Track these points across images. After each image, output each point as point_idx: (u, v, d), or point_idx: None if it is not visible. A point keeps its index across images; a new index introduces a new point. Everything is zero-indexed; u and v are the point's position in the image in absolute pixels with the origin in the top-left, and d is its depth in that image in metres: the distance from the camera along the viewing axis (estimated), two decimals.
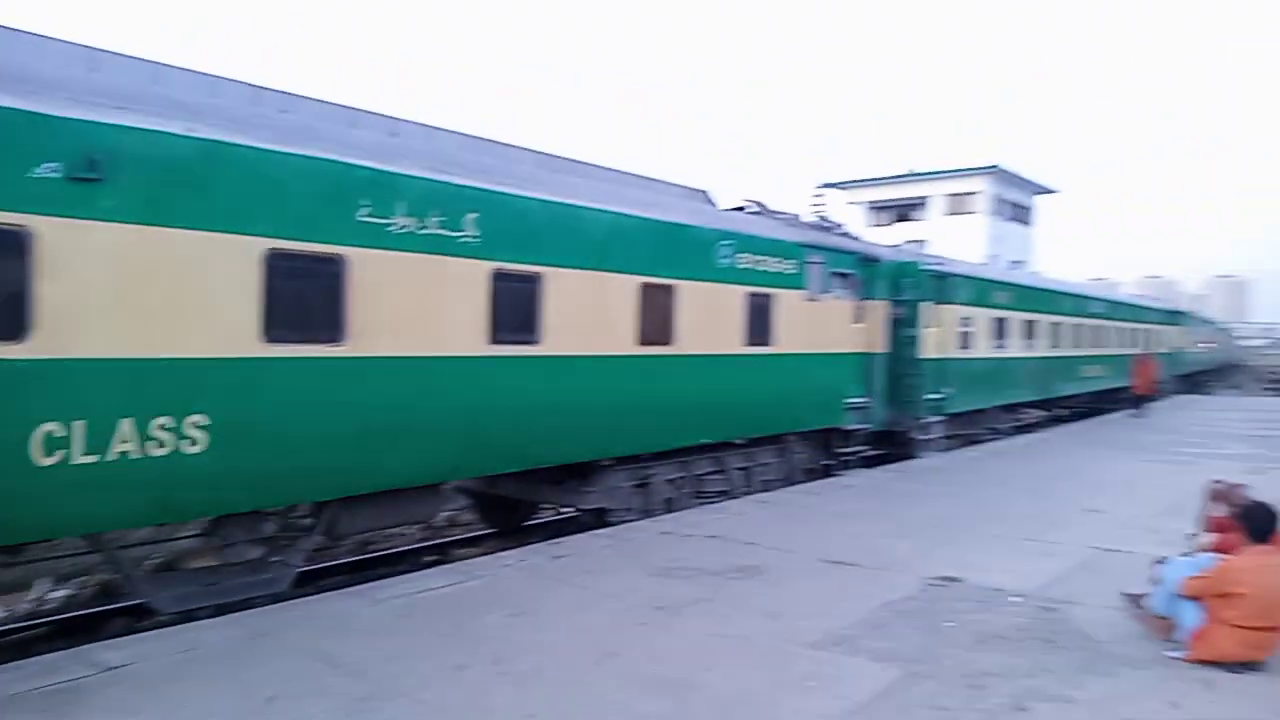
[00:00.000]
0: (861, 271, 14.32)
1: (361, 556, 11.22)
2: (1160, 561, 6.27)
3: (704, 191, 12.52)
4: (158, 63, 7.05)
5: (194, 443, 6.26)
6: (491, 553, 10.39)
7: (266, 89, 7.64)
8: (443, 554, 11.41)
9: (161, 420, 6.08)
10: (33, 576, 10.25)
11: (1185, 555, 6.32)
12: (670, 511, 10.99)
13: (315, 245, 6.94)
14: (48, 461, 5.56)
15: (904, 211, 53.04)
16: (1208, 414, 27.23)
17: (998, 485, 12.89)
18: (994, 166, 49.24)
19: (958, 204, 50.52)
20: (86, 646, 5.85)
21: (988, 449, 17.85)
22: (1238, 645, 5.46)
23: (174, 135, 6.15)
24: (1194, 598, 5.71)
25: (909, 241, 28.21)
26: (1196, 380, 46.62)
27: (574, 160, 10.45)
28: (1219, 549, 6.24)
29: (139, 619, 8.69)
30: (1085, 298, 26.90)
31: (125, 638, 6.33)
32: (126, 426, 5.91)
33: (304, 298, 7.01)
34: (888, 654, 5.71)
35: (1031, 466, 14.99)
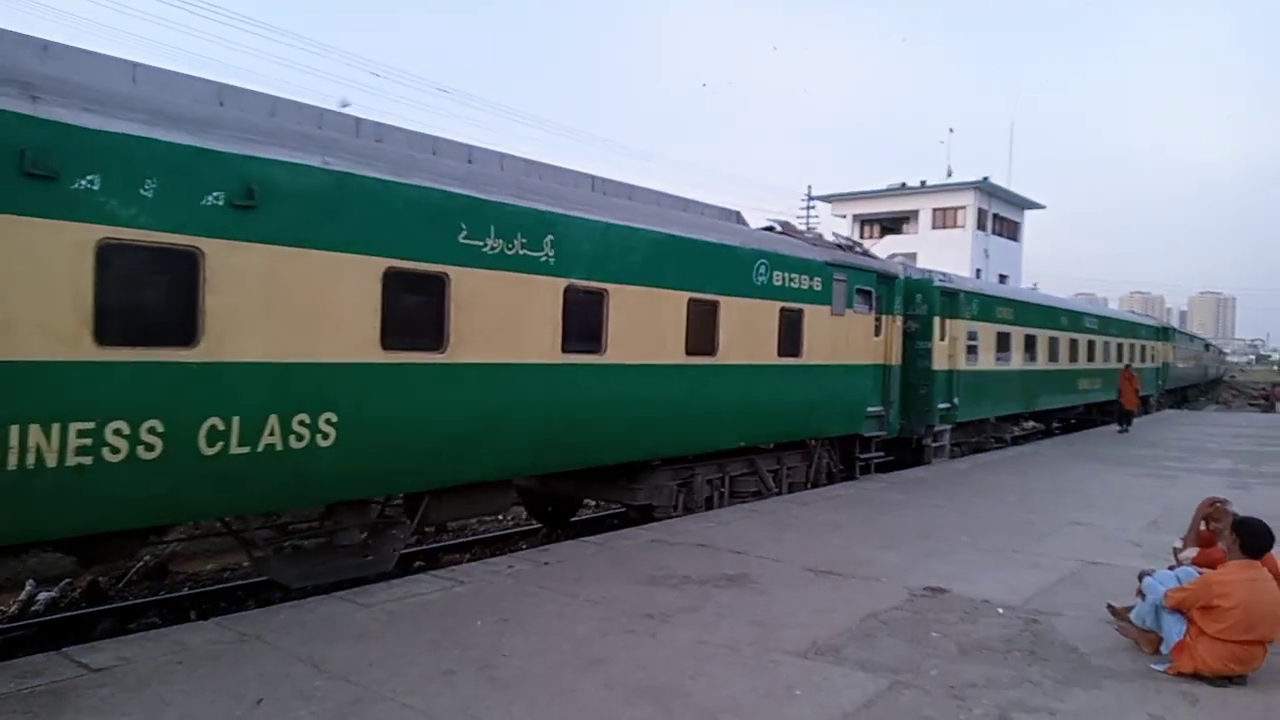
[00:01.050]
0: (880, 288, 15.05)
1: None
2: (1146, 574, 6.32)
3: (737, 212, 13.25)
4: (273, 96, 7.65)
5: (325, 437, 7.00)
6: (479, 559, 10.40)
7: (363, 120, 8.25)
8: (431, 560, 11.40)
9: (301, 416, 6.84)
10: (24, 576, 10.19)
11: (1170, 568, 6.36)
12: (710, 509, 11.75)
13: (424, 265, 7.73)
14: (210, 451, 6.29)
15: (891, 225, 53.32)
16: (1193, 429, 27.45)
17: (985, 497, 12.96)
18: (981, 181, 49.58)
19: (945, 218, 50.83)
20: (71, 648, 5.81)
21: (976, 460, 17.97)
22: (1221, 659, 5.50)
23: (313, 167, 6.94)
24: (1177, 610, 5.76)
25: (895, 255, 28.45)
26: (1183, 395, 47.04)
27: (621, 183, 11.13)
28: (1203, 562, 6.29)
29: (125, 621, 8.68)
30: (1080, 314, 27.46)
31: (111, 639, 6.28)
32: (273, 422, 6.66)
33: (413, 311, 7.81)
34: (874, 664, 5.73)
35: (1019, 479, 15.07)
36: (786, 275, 12.44)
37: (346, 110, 8.37)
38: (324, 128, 7.72)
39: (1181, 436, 24.36)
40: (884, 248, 37.99)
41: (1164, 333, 39.37)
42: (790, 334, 12.55)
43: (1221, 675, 5.53)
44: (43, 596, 9.63)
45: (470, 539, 12.75)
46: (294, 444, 6.78)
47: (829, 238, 16.21)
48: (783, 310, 12.37)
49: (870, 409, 14.81)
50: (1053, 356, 23.89)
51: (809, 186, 63.27)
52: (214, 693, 4.99)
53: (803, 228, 19.11)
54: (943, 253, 42.32)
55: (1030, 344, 22.23)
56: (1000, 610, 7.03)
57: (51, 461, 5.53)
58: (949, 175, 51.14)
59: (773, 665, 5.67)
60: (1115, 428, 25.57)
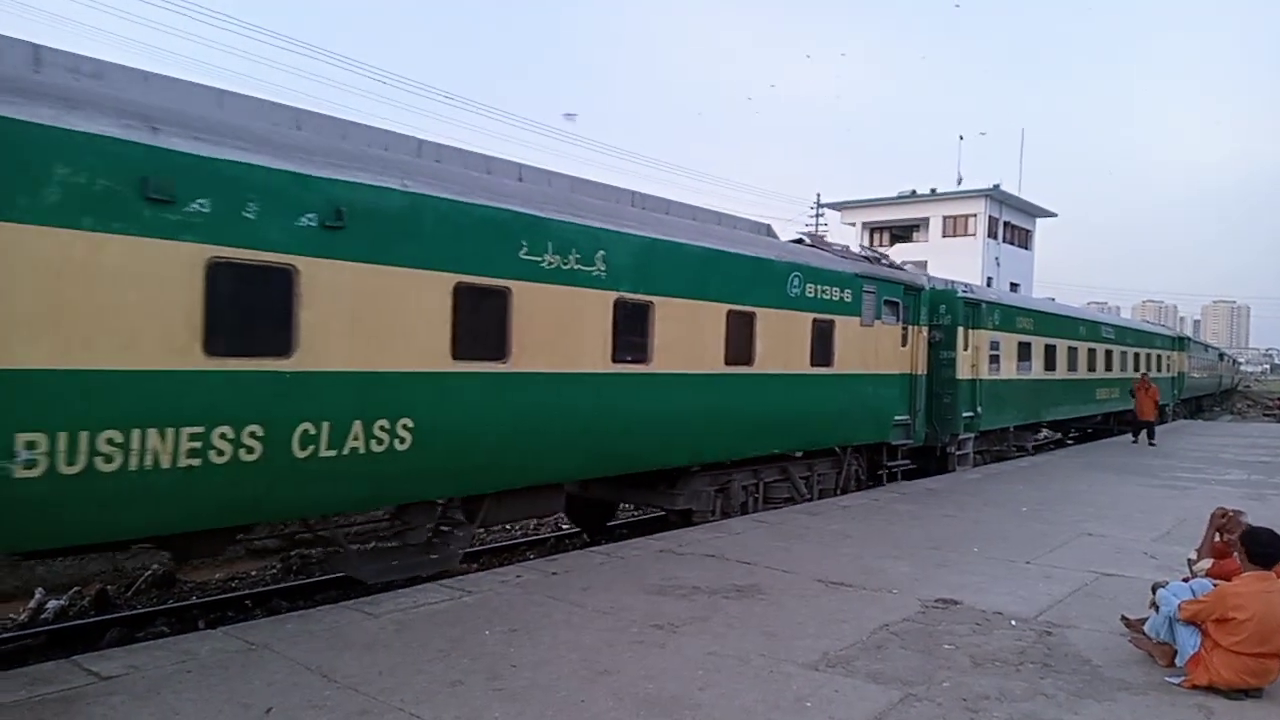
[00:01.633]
0: (906, 299, 15.37)
1: None
2: (1159, 586, 6.25)
3: (768, 226, 13.58)
4: (344, 120, 8.08)
5: (402, 441, 7.44)
6: (487, 568, 10.39)
7: (426, 141, 8.65)
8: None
9: (381, 422, 7.29)
10: (34, 585, 10.23)
11: (1184, 580, 6.30)
12: (745, 514, 12.09)
13: (489, 279, 8.19)
14: (302, 455, 6.75)
15: (901, 233, 53.21)
16: (1207, 439, 27.24)
17: (997, 507, 12.87)
18: (993, 189, 49.43)
19: (955, 225, 50.66)
20: (81, 656, 5.84)
21: (987, 471, 17.86)
22: (1236, 672, 5.44)
23: (394, 190, 7.41)
24: (1191, 622, 5.69)
25: (906, 263, 28.46)
26: (1198, 405, 46.76)
27: (658, 198, 11.46)
28: (1218, 574, 6.23)
29: (134, 630, 8.69)
30: (1097, 324, 27.65)
31: (120, 648, 6.30)
32: (358, 427, 7.13)
33: (480, 323, 8.21)
34: (885, 675, 5.69)
35: (1030, 489, 14.97)
36: (819, 287, 12.87)
37: (572, 120, 8.86)
38: (390, 149, 8.11)
39: (1195, 447, 24.16)
40: (894, 256, 37.89)
41: (1179, 342, 39.21)
42: (822, 344, 12.95)
43: (1237, 688, 5.45)
44: (52, 604, 9.66)
45: (478, 549, 12.73)
46: (375, 448, 7.23)
47: (855, 249, 16.50)
48: (815, 321, 12.77)
49: (897, 418, 15.16)
50: (1072, 366, 24.12)
51: (818, 194, 63.22)
52: (223, 702, 4.99)
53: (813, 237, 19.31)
54: (953, 260, 42.20)
55: (1050, 354, 22.42)
56: (1013, 622, 6.97)
57: (166, 463, 6.02)
58: (959, 183, 51.06)
59: (783, 677, 5.63)
60: (1130, 439, 25.24)
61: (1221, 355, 66.02)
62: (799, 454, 13.40)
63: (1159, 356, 33.96)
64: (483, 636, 6.30)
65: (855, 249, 16.73)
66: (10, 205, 5.36)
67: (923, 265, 35.48)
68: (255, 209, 6.46)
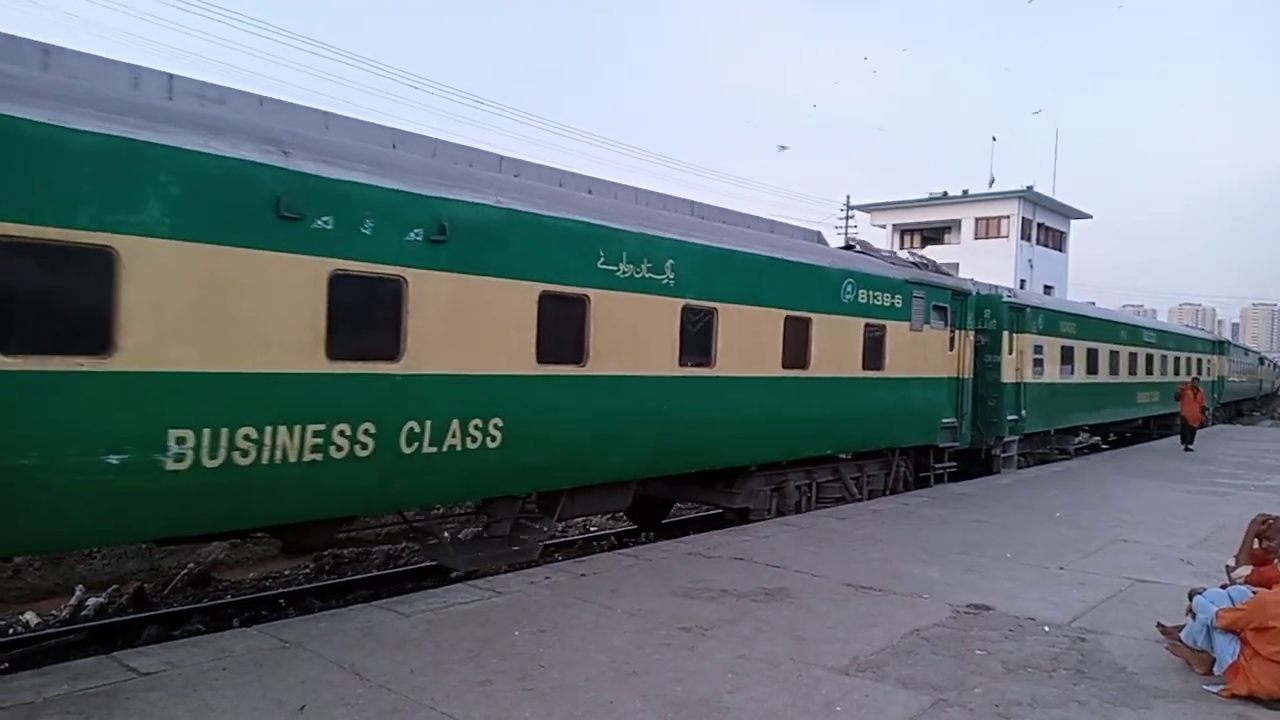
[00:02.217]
0: (954, 304, 15.62)
1: (392, 570, 11.31)
2: (1196, 593, 6.15)
3: (818, 233, 13.93)
4: (432, 139, 8.47)
5: (494, 439, 7.93)
6: (516, 569, 10.43)
7: (506, 158, 9.11)
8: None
9: (476, 421, 7.79)
10: (73, 581, 10.45)
11: (1222, 587, 6.19)
12: (798, 512, 12.45)
13: (570, 288, 8.69)
14: (408, 451, 7.27)
15: (932, 235, 52.69)
16: (1247, 444, 26.72)
17: (1028, 512, 12.72)
18: (1026, 190, 48.83)
19: (988, 227, 50.09)
20: (120, 652, 5.96)
21: (1020, 475, 17.65)
22: (1277, 681, 5.33)
23: (489, 205, 7.90)
24: (1230, 630, 5.59)
25: (944, 265, 28.20)
26: (1237, 410, 45.95)
27: (715, 207, 11.78)
28: (1257, 582, 6.12)
29: (170, 627, 8.85)
30: (1138, 328, 27.56)
31: (158, 644, 6.42)
32: (455, 426, 7.62)
33: (561, 328, 8.63)
34: (916, 681, 5.65)
35: (1064, 494, 14.77)
36: (870, 293, 13.18)
37: (783, 151, 9.26)
38: (474, 165, 8.54)
39: (1235, 452, 23.72)
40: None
41: (1219, 346, 38.70)
42: (873, 348, 13.27)
43: (1278, 698, 5.35)
44: (92, 602, 9.86)
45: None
46: (470, 445, 7.72)
47: (903, 254, 16.62)
48: (867, 326, 13.10)
49: (945, 420, 15.38)
50: (1113, 370, 24.09)
51: (848, 196, 62.85)
52: (258, 699, 5.07)
53: (841, 239, 19.33)
54: (985, 263, 41.70)
55: (1092, 357, 22.40)
56: (1046, 628, 6.89)
57: (293, 458, 6.52)
58: (991, 184, 50.50)
59: (813, 681, 5.61)
60: (1178, 444, 24.28)
61: (1262, 359, 64.79)
62: (846, 455, 13.59)
63: (1199, 360, 33.51)
64: (512, 637, 6.34)
65: (903, 254, 16.86)
66: (167, 223, 5.87)
67: (954, 267, 35.12)
68: (371, 225, 6.96)
